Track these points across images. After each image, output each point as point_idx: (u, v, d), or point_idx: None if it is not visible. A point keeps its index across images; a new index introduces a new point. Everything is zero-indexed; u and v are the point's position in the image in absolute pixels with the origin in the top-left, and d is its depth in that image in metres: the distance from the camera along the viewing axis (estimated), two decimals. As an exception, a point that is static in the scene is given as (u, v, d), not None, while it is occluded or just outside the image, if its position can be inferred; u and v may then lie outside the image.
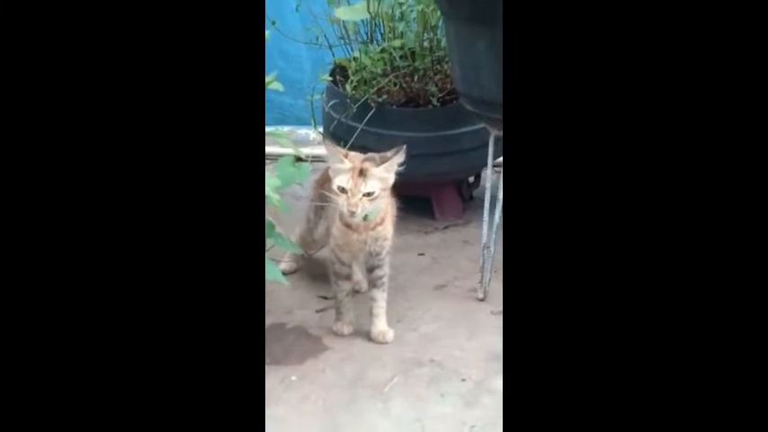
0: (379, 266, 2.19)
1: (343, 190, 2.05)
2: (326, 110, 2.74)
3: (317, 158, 2.45)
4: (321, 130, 2.81)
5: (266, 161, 2.05)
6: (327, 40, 2.80)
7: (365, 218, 2.06)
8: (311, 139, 3.23)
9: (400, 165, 2.08)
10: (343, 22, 2.76)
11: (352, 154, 2.12)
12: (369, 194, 2.04)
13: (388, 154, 2.08)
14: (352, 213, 2.04)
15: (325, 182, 2.32)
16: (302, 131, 3.26)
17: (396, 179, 2.13)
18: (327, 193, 2.11)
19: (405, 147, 2.08)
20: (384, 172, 2.06)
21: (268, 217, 2.21)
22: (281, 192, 2.07)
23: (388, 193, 2.12)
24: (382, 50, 2.67)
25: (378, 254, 2.18)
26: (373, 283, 2.22)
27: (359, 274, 2.35)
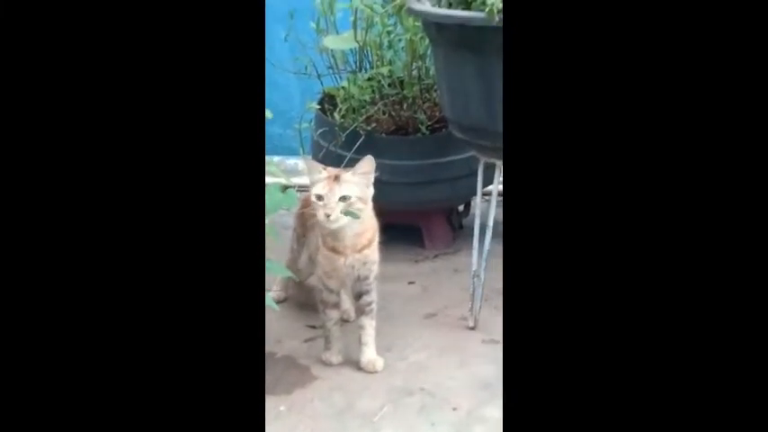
0: (367, 292, 2.18)
1: (320, 197, 2.05)
2: (315, 138, 2.73)
3: (304, 188, 2.44)
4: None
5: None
6: (316, 69, 2.81)
7: (344, 222, 2.04)
8: (300, 169, 3.23)
9: (374, 172, 2.09)
10: (332, 51, 2.76)
11: (330, 168, 2.13)
12: (344, 198, 2.04)
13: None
14: (328, 217, 2.03)
15: (306, 210, 2.31)
16: (291, 161, 3.26)
17: (384, 206, 2.12)
18: (308, 211, 2.12)
19: (370, 156, 2.09)
20: (357, 177, 2.07)
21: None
22: (270, 219, 2.05)
23: (370, 212, 2.12)
24: (370, 78, 2.67)
25: (366, 278, 2.16)
26: (362, 311, 2.19)
27: (347, 303, 2.32)
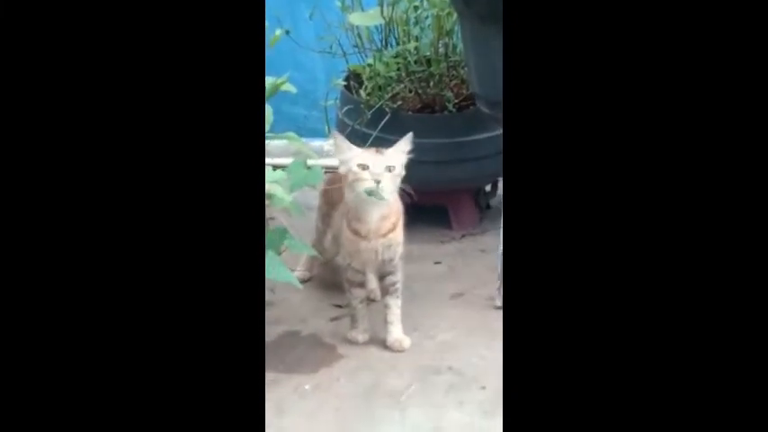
0: (391, 273, 2.14)
1: (364, 167, 2.01)
2: (340, 117, 2.69)
3: (330, 169, 2.40)
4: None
5: (280, 169, 2.01)
6: (342, 47, 2.76)
7: (372, 194, 2.00)
8: (326, 151, 3.19)
9: (408, 152, 2.07)
10: (357, 29, 2.72)
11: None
12: (389, 168, 2.01)
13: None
14: (378, 184, 1.99)
15: (331, 189, 2.28)
16: (316, 143, 3.22)
17: (410, 186, 2.08)
18: (334, 188, 2.07)
19: (411, 134, 2.06)
20: (396, 153, 2.05)
21: (281, 221, 2.16)
22: (294, 197, 2.02)
23: (396, 196, 2.09)
24: (396, 55, 2.63)
25: (390, 260, 2.13)
26: (386, 291, 2.16)
27: (373, 282, 2.28)
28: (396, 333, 2.15)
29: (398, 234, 2.12)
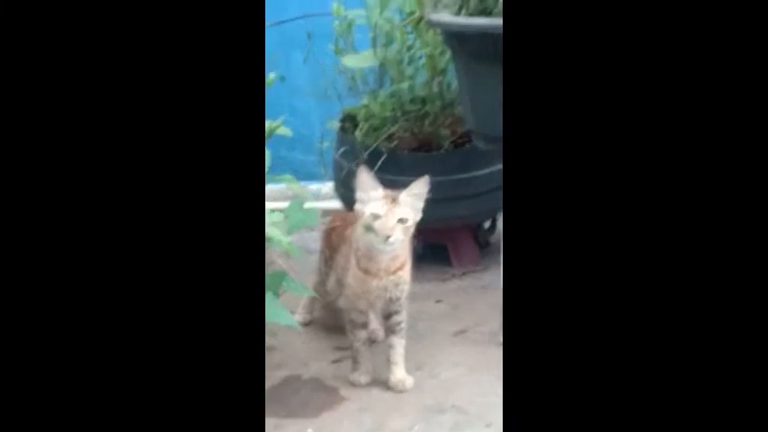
0: (397, 312, 2.12)
1: (376, 217, 1.99)
2: (336, 159, 2.69)
3: (328, 212, 2.40)
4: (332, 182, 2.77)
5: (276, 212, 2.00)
6: (336, 91, 2.77)
7: (399, 244, 2.00)
8: (323, 194, 3.19)
9: (426, 194, 2.03)
10: (351, 71, 2.73)
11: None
12: (402, 221, 1.99)
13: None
14: (387, 238, 1.97)
15: (333, 231, 2.27)
16: (314, 187, 3.22)
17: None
18: (336, 230, 2.06)
19: (427, 176, 2.03)
20: (412, 199, 2.02)
21: (280, 264, 2.15)
22: (293, 240, 2.00)
23: (410, 235, 2.06)
24: (391, 95, 2.63)
25: (397, 299, 2.10)
26: (391, 330, 2.13)
27: (375, 323, 2.26)
28: (399, 373, 2.12)
29: (407, 272, 2.11)
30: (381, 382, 2.14)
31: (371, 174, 2.05)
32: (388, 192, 2.03)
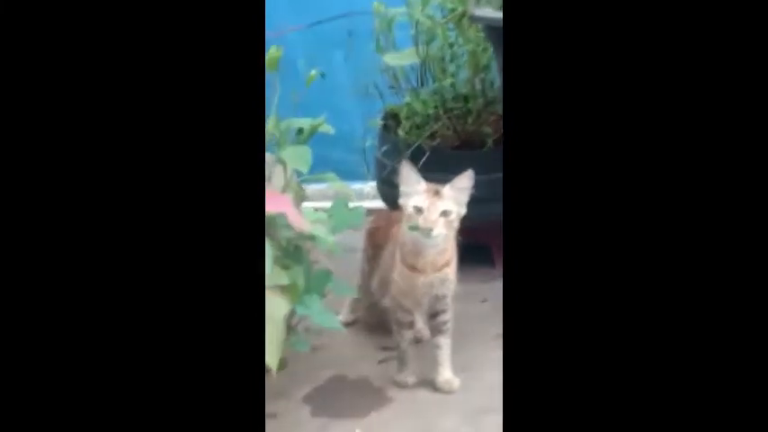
0: (443, 311, 2.09)
1: (419, 210, 1.97)
2: (379, 158, 2.68)
3: (371, 212, 2.37)
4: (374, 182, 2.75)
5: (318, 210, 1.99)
6: (378, 89, 2.75)
7: (442, 238, 1.99)
8: (365, 194, 3.17)
9: (470, 189, 2.03)
10: (393, 69, 2.71)
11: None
12: (445, 213, 1.97)
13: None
14: (430, 231, 1.95)
15: (377, 230, 2.25)
16: (356, 186, 3.20)
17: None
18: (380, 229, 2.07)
19: (471, 171, 2.02)
20: (455, 192, 2.01)
21: (324, 264, 2.13)
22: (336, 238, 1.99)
23: (455, 231, 2.04)
24: (434, 93, 2.61)
25: (443, 297, 2.08)
26: (437, 330, 2.11)
27: (421, 323, 2.24)
28: (445, 374, 2.10)
29: (453, 269, 2.09)
30: (428, 383, 2.12)
31: (414, 168, 2.02)
32: (432, 185, 2.01)
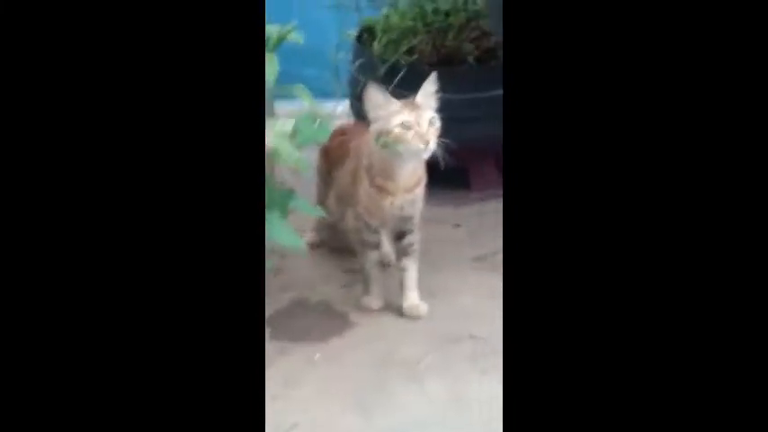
0: (410, 231, 1.99)
1: (407, 126, 1.85)
2: (352, 73, 2.54)
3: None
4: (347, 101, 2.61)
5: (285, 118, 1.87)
6: (355, 0, 2.60)
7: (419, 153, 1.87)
8: (338, 113, 3.05)
9: (436, 92, 1.92)
10: (371, -21, 2.57)
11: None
12: (432, 122, 1.87)
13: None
14: (427, 144, 1.85)
15: (332, 148, 2.13)
16: (329, 105, 3.07)
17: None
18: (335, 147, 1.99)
19: (434, 72, 1.93)
20: (428, 99, 1.91)
21: (287, 183, 2.02)
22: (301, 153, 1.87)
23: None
24: (413, 5, 2.47)
25: (411, 217, 1.97)
26: (404, 252, 2.00)
27: (387, 245, 2.13)
28: (412, 298, 2.00)
29: (422, 188, 1.98)
30: (394, 308, 2.03)
31: (382, 89, 1.90)
32: (404, 100, 1.90)
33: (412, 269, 2.00)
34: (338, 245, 2.21)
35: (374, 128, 1.90)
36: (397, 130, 1.86)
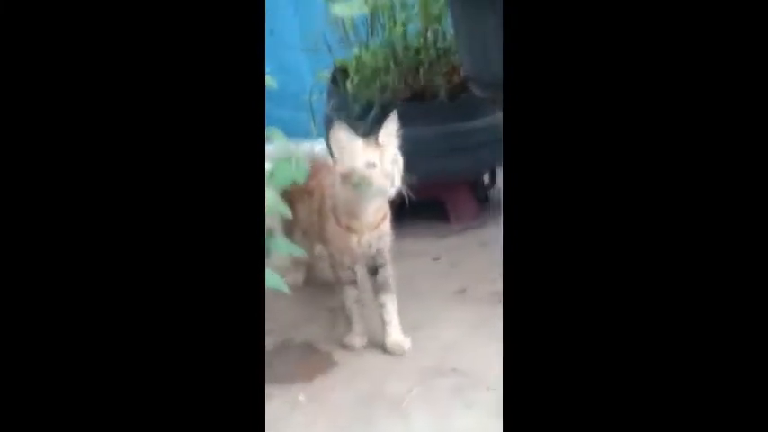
0: (382, 266, 2.00)
1: (372, 165, 1.86)
2: (327, 113, 2.56)
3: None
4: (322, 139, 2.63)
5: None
6: (327, 43, 2.63)
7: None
8: (316, 153, 3.07)
9: (397, 131, 1.93)
10: (342, 21, 2.59)
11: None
12: (395, 161, 1.88)
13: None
14: (390, 185, 1.86)
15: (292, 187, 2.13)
16: (306, 146, 3.09)
17: (404, 179, 1.95)
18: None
19: (395, 110, 1.95)
20: (390, 138, 1.91)
21: (268, 224, 2.03)
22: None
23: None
24: (384, 44, 2.50)
25: (381, 251, 1.99)
26: (380, 287, 2.01)
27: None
28: (394, 334, 2.01)
29: (388, 223, 1.99)
30: (377, 345, 2.03)
31: (347, 127, 1.92)
32: (366, 139, 1.91)
33: (390, 303, 2.01)
34: (315, 281, 2.22)
35: (339, 167, 1.92)
36: (361, 169, 1.87)
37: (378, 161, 1.87)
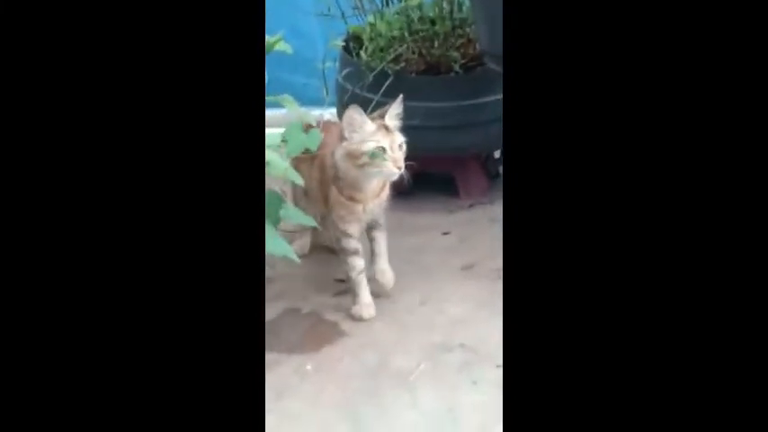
0: (378, 221, 2.08)
1: (384, 150, 1.92)
2: (339, 81, 2.54)
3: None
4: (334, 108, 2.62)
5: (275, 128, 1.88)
6: (341, 9, 2.61)
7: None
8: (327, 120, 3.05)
9: (399, 115, 1.98)
10: (357, -13, 2.56)
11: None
12: (401, 146, 1.95)
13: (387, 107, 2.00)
14: (400, 169, 1.92)
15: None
16: (316, 113, 3.07)
17: (415, 153, 1.97)
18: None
19: (401, 96, 2.00)
20: (395, 121, 1.98)
21: (277, 189, 2.02)
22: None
23: None
24: (399, 13, 2.47)
25: (379, 214, 2.06)
26: (373, 227, 2.08)
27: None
28: (381, 264, 2.08)
29: (386, 190, 2.06)
30: (385, 316, 2.03)
31: (360, 110, 1.95)
32: (377, 122, 1.96)
33: (381, 238, 2.08)
34: (322, 247, 2.26)
35: (348, 146, 1.94)
36: (372, 151, 1.91)
37: (388, 147, 1.92)
